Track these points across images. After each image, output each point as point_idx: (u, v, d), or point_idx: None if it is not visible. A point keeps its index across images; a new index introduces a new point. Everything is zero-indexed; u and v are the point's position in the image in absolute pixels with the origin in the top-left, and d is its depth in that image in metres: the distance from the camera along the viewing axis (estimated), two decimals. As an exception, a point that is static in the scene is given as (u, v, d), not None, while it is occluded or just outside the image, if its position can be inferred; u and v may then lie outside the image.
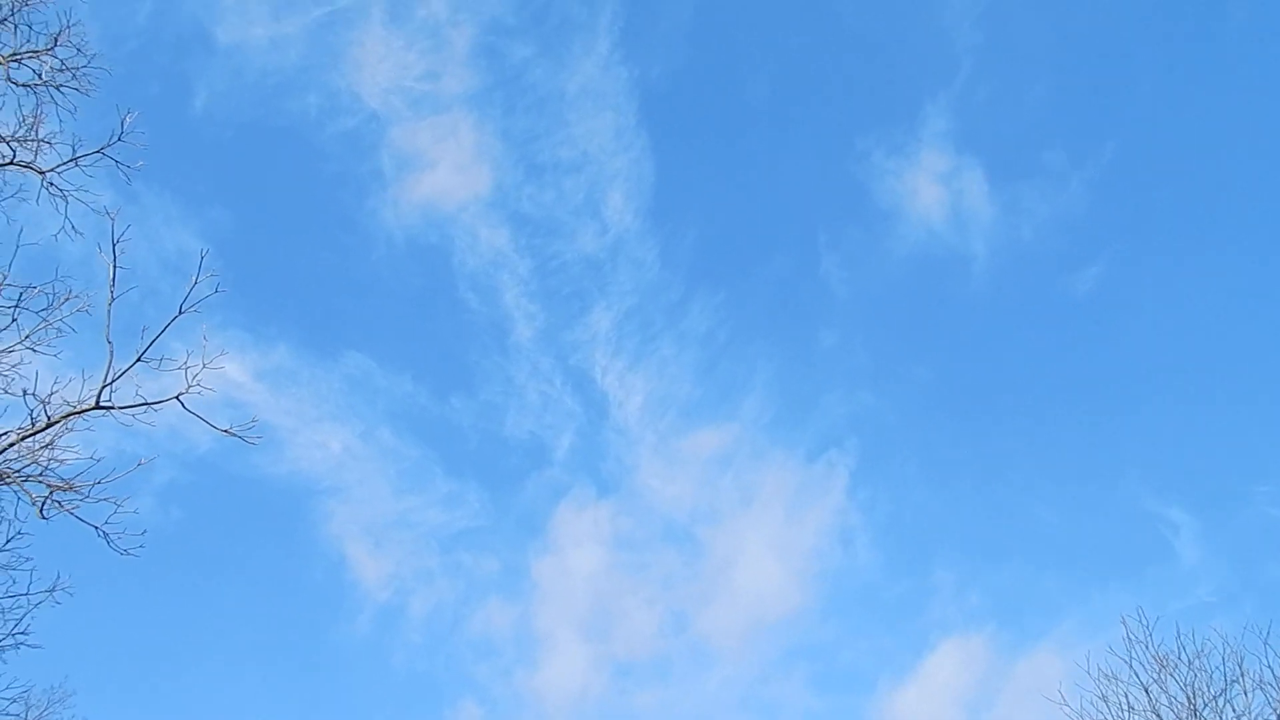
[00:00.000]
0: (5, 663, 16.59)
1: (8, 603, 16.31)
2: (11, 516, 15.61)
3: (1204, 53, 46.42)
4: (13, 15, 18.19)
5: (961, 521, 45.04)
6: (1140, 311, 46.46)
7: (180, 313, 15.27)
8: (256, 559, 43.23)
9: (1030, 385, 47.39)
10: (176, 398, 15.44)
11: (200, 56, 43.44)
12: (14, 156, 17.31)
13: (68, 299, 16.04)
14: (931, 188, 45.92)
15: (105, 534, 15.01)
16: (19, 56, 18.39)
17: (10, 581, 16.07)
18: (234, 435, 15.62)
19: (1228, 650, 19.16)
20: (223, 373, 15.76)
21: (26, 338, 15.68)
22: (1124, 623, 19.64)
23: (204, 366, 15.34)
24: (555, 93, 45.51)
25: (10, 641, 16.43)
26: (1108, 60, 47.75)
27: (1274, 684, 18.87)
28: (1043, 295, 47.43)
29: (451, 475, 44.32)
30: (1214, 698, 18.93)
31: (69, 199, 17.51)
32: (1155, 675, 19.33)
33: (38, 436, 14.86)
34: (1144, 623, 19.67)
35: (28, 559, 15.80)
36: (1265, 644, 19.08)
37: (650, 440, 44.75)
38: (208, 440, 38.93)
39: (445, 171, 45.46)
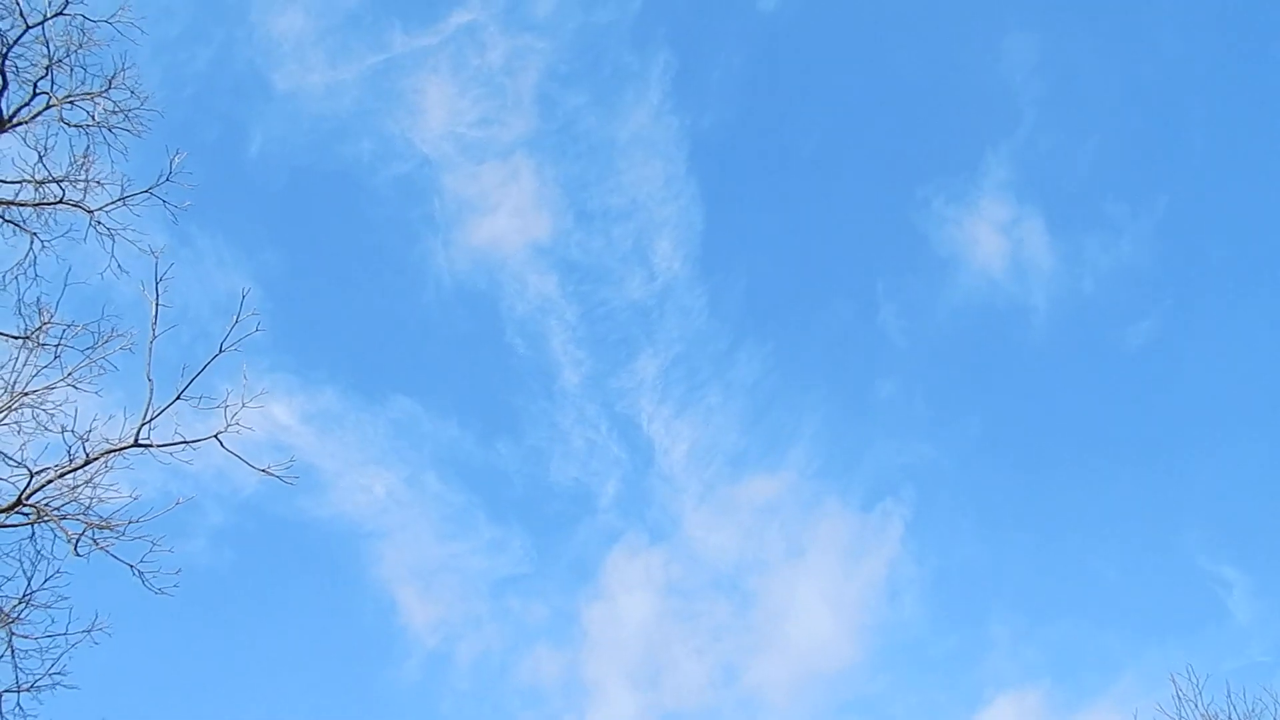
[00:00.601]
0: (42, 703, 16.54)
1: (45, 642, 16.27)
2: (50, 554, 15.60)
3: (1263, 103, 45.94)
4: (68, 58, 18.48)
5: (1017, 574, 44.11)
6: (1197, 363, 45.80)
7: (221, 350, 15.29)
8: (304, 602, 42.85)
9: (1089, 438, 46.55)
10: (215, 436, 15.41)
11: (257, 102, 43.70)
12: (64, 195, 17.51)
13: (111, 337, 16.13)
14: (992, 237, 45.52)
15: (140, 572, 14.96)
16: (73, 99, 18.65)
17: (49, 620, 16.05)
18: (272, 475, 15.56)
19: (1282, 711, 18.57)
20: (269, 415, 15.78)
21: (69, 375, 15.75)
22: (1174, 681, 19.14)
23: (244, 405, 15.31)
24: (606, 140, 45.19)
25: (47, 681, 16.37)
26: (1168, 110, 46.98)
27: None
28: (1102, 346, 46.80)
29: (495, 521, 43.76)
30: (1268, 759, 18.33)
31: (116, 238, 17.70)
32: (1207, 736, 18.74)
33: (76, 474, 14.86)
34: (1194, 681, 19.20)
35: (65, 598, 15.76)
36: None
37: (696, 489, 44.43)
38: (252, 483, 39.20)
39: (496, 217, 45.42)
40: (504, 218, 44.52)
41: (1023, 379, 46.84)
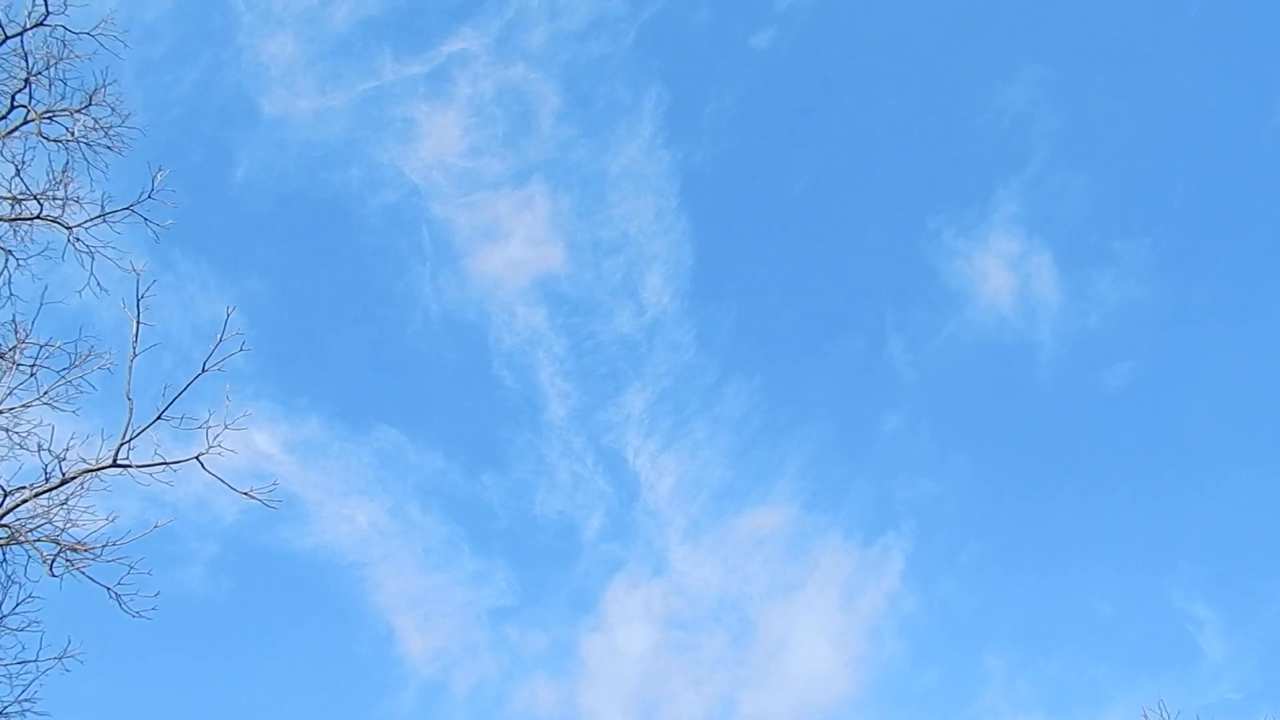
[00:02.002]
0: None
1: (15, 669, 15.77)
2: (23, 578, 15.14)
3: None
4: (47, 71, 18.11)
5: (1013, 609, 44.32)
6: (1194, 397, 46.18)
7: (204, 370, 14.94)
8: (294, 631, 42.87)
9: (1089, 473, 47.03)
10: (196, 458, 15.05)
11: (244, 127, 43.55)
12: (41, 211, 17.10)
13: (89, 356, 15.74)
14: (1000, 271, 45.68)
15: (117, 595, 14.54)
16: (52, 113, 18.26)
17: (19, 646, 15.56)
18: (254, 498, 15.18)
19: (1258, 749, 18.38)
20: (251, 443, 15.45)
21: (45, 394, 15.34)
22: (1145, 717, 19.02)
23: (225, 427, 14.97)
24: (598, 173, 45.45)
25: (16, 708, 15.86)
26: (1179, 147, 47.53)
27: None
28: (1102, 385, 46.90)
29: (479, 553, 43.63)
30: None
31: (95, 256, 17.29)
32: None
33: (53, 494, 14.44)
34: (1164, 717, 19.06)
35: (37, 621, 15.30)
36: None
37: (681, 523, 44.35)
38: (232, 511, 38.87)
39: (485, 248, 45.54)
40: (493, 249, 44.60)
41: (1026, 415, 47.02)
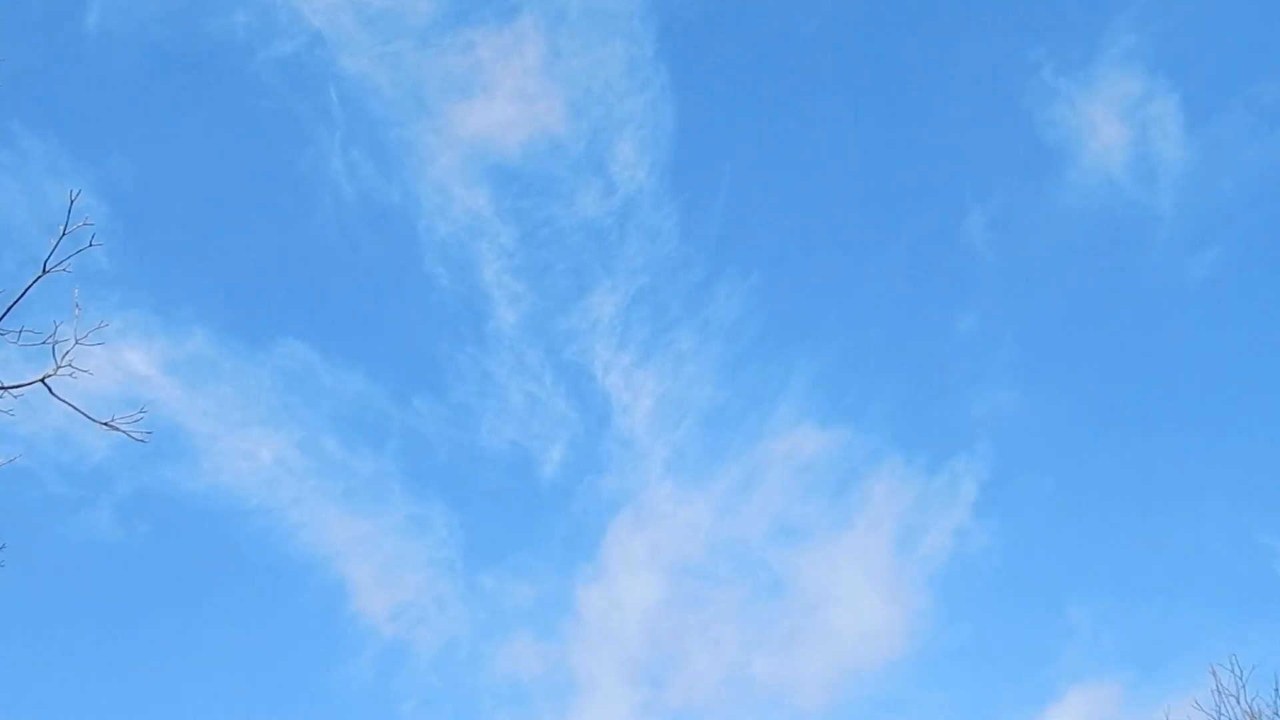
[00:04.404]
0: None
1: None
2: None
3: None
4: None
5: (1107, 550, 36.82)
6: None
7: (45, 271, 11.85)
8: (208, 591, 36.32)
9: (1219, 387, 38.02)
10: (42, 380, 12.12)
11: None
12: None
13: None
14: (1112, 123, 35.69)
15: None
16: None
17: None
18: (116, 429, 12.28)
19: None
20: (122, 363, 12.60)
21: None
22: (1213, 674, 16.60)
23: (76, 343, 11.98)
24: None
25: None
26: None
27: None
28: (1245, 271, 37.32)
29: (414, 495, 36.26)
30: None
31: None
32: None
33: None
34: (1237, 674, 16.67)
35: None
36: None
37: (663, 454, 36.86)
38: (102, 447, 32.93)
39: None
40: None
41: (1137, 311, 38.31)
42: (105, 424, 12.28)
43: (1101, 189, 36.38)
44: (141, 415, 12.33)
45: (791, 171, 39.63)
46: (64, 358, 11.97)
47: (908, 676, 34.63)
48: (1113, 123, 35.92)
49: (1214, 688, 16.47)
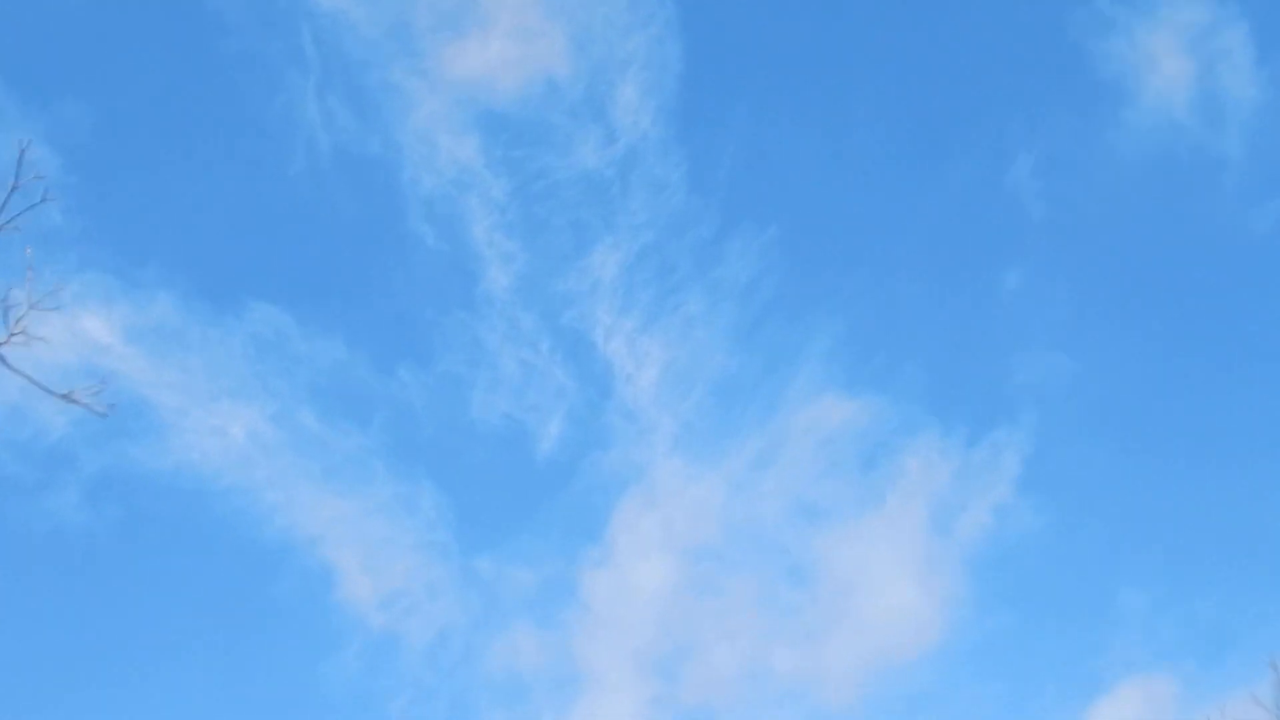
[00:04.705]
0: None
1: None
2: None
3: None
4: None
5: (1164, 529, 34.18)
6: None
7: (-6, 230, 10.97)
8: (180, 575, 33.70)
9: None
10: (-8, 349, 11.23)
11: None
12: None
13: None
14: (1175, 55, 32.92)
15: None
16: None
17: None
18: (75, 402, 11.44)
19: None
20: (80, 330, 11.77)
21: None
22: (1275, 666, 15.63)
23: (29, 308, 11.13)
24: None
25: None
26: None
27: None
28: None
29: (398, 473, 33.71)
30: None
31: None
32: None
33: None
34: None
35: None
36: None
37: (670, 428, 34.21)
38: (61, 424, 30.49)
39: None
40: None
41: (1203, 263, 35.30)
42: (63, 396, 11.43)
43: (1162, 130, 33.77)
44: (102, 387, 11.50)
45: (812, 115, 36.64)
46: (17, 324, 11.14)
47: (943, 668, 32.52)
48: (1175, 56, 33.08)
49: (1275, 681, 15.59)
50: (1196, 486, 34.34)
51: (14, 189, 10.85)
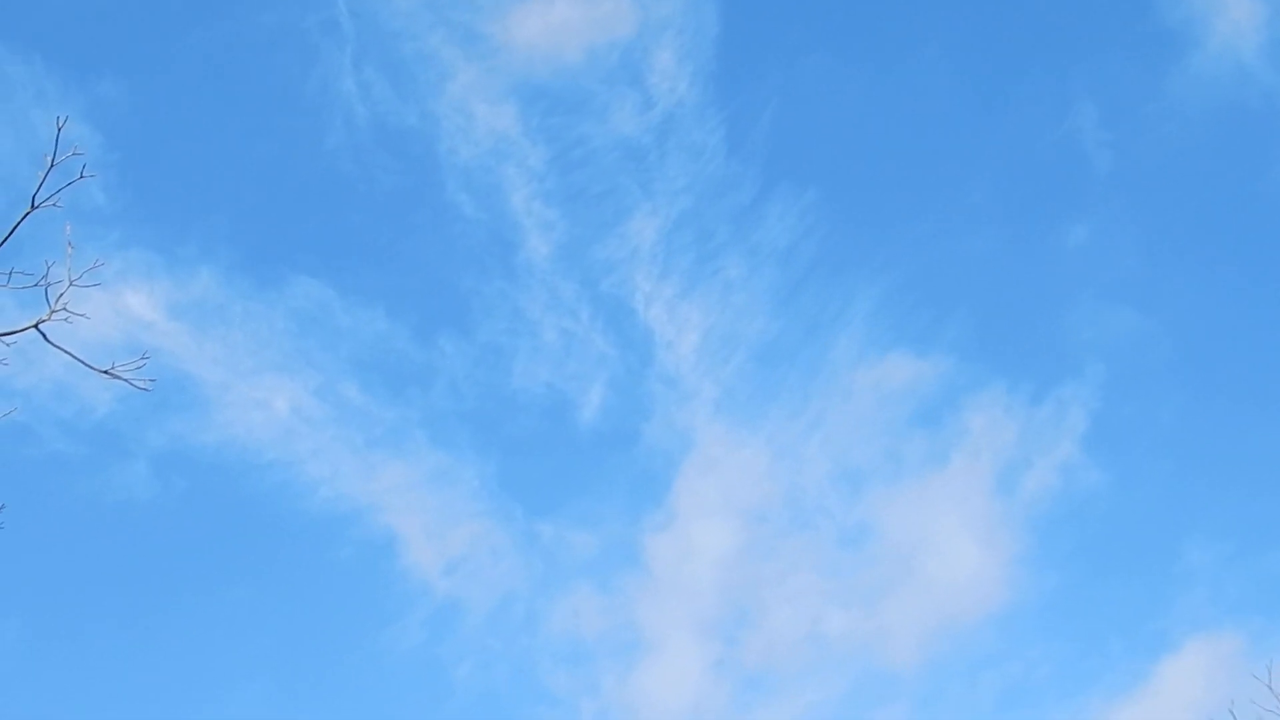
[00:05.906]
0: None
1: None
2: None
3: None
4: None
5: (1230, 486, 33.81)
6: None
7: (34, 206, 10.95)
8: (233, 549, 34.11)
9: None
10: (35, 326, 11.24)
11: None
12: None
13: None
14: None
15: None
16: None
17: None
18: (117, 378, 11.41)
19: None
20: (124, 307, 11.79)
21: None
22: None
23: (70, 284, 11.08)
24: None
25: None
26: None
27: None
28: None
29: (440, 443, 33.32)
30: None
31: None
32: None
33: None
34: None
35: None
36: None
37: (711, 393, 33.64)
38: (106, 400, 30.73)
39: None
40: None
41: (1273, 218, 34.67)
42: (105, 372, 11.42)
43: (1230, 78, 32.79)
44: (144, 361, 11.48)
45: (854, 73, 36.12)
46: (58, 300, 11.12)
47: (1007, 629, 32.40)
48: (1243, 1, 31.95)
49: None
50: (1264, 441, 33.70)
51: (52, 166, 10.80)
